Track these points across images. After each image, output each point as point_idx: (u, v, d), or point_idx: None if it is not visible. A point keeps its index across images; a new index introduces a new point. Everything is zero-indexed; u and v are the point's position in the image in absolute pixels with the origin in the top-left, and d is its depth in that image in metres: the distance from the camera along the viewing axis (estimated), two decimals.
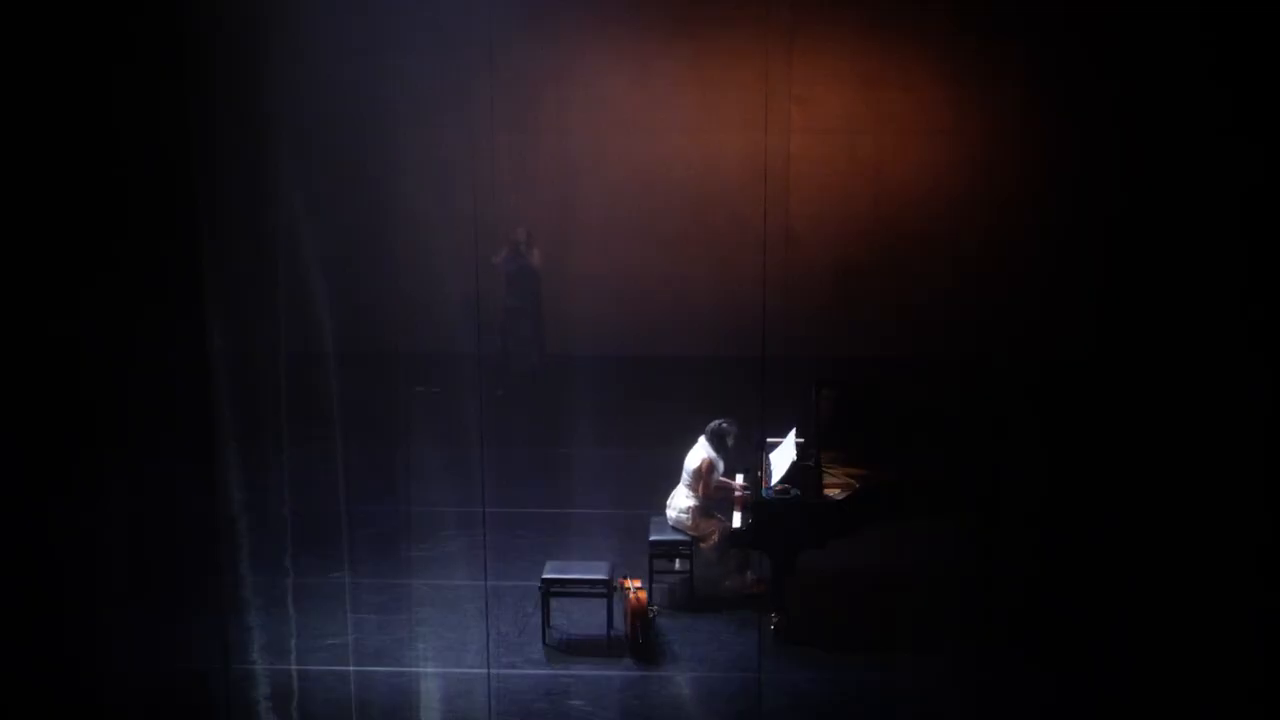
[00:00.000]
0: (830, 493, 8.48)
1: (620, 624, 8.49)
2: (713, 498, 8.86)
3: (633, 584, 8.44)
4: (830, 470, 8.61)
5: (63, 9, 7.19)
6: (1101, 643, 8.26)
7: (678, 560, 9.02)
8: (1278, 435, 9.04)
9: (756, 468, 8.99)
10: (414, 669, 8.22)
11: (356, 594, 8.96)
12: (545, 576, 8.51)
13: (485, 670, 8.03)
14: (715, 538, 8.79)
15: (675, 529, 8.87)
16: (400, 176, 12.25)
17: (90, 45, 7.36)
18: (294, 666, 8.10)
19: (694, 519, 8.78)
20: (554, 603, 8.48)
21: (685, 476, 8.83)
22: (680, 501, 8.82)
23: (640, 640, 8.32)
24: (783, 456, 8.78)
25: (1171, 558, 8.91)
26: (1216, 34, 10.13)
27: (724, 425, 8.83)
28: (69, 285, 7.50)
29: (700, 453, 8.78)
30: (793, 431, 8.92)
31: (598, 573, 8.55)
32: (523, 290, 12.23)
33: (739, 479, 9.06)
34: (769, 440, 9.09)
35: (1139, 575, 8.86)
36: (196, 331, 8.74)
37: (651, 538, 8.92)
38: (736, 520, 8.75)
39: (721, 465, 8.83)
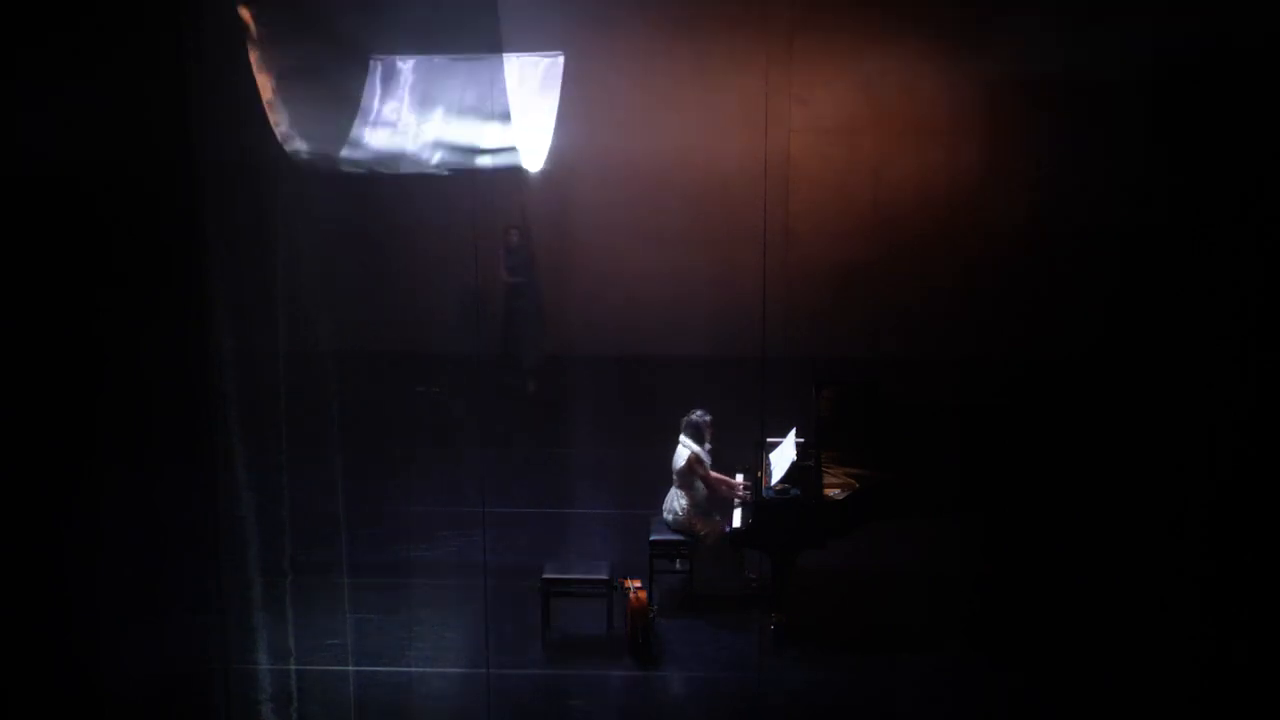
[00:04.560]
0: (830, 493, 8.49)
1: (620, 624, 8.49)
2: (715, 488, 8.85)
3: (633, 584, 8.44)
4: (830, 470, 8.61)
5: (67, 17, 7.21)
6: (1101, 642, 8.26)
7: (678, 560, 9.03)
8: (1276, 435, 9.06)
9: (756, 468, 8.99)
10: (414, 669, 8.23)
11: (356, 594, 8.95)
12: (545, 576, 8.52)
13: (485, 670, 8.03)
14: (712, 538, 8.79)
15: (674, 530, 8.87)
16: (401, 176, 12.24)
17: (91, 48, 7.37)
18: (294, 666, 8.09)
19: (689, 518, 8.78)
20: (554, 603, 8.48)
21: (674, 478, 8.84)
22: (673, 504, 8.83)
23: (640, 640, 8.32)
24: (783, 456, 8.78)
25: (1173, 558, 8.92)
26: (1216, 35, 10.14)
27: (697, 416, 8.79)
28: (72, 289, 7.52)
29: (683, 451, 8.77)
30: (793, 431, 8.92)
31: (598, 573, 8.55)
32: (524, 290, 12.23)
33: (739, 479, 9.06)
34: (769, 440, 9.09)
35: (1140, 575, 8.86)
36: (198, 332, 8.75)
37: (651, 538, 8.92)
38: (736, 520, 8.75)
39: (708, 459, 8.82)
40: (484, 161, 10.73)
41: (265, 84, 10.55)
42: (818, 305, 12.28)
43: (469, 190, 10.98)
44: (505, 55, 11.05)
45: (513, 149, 10.77)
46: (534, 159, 10.94)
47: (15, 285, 7.35)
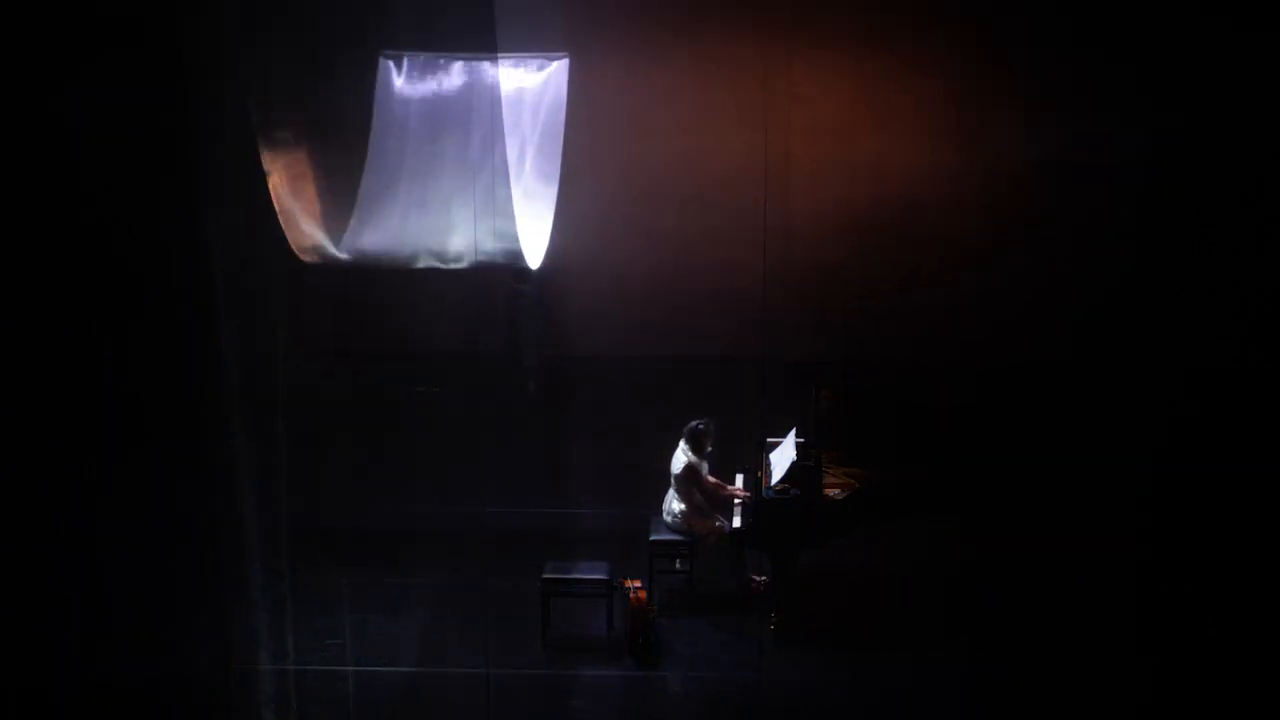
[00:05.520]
0: (830, 493, 8.49)
1: (620, 624, 8.49)
2: (712, 495, 8.86)
3: (633, 584, 8.44)
4: (830, 470, 8.61)
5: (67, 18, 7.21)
6: (1102, 642, 8.27)
7: (678, 560, 9.03)
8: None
9: (756, 468, 8.99)
10: (414, 669, 8.22)
11: (356, 594, 8.96)
12: (545, 576, 8.52)
13: (485, 670, 8.03)
14: (712, 538, 8.79)
15: (673, 531, 8.88)
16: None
17: (91, 44, 7.37)
18: (294, 666, 8.09)
19: (686, 521, 8.79)
20: (554, 603, 8.48)
21: (672, 481, 8.84)
22: (672, 505, 8.85)
23: (640, 640, 8.32)
24: (783, 456, 8.79)
25: (1177, 559, 8.93)
26: (1219, 39, 10.15)
27: (699, 426, 8.81)
28: (72, 287, 7.51)
29: (680, 458, 8.78)
30: (793, 431, 8.92)
31: (598, 573, 8.55)
32: (527, 292, 12.24)
33: (739, 480, 9.06)
34: (769, 440, 9.09)
35: (1139, 575, 8.87)
36: (198, 331, 8.74)
37: (652, 538, 8.93)
38: (736, 520, 8.76)
39: (705, 466, 8.83)
40: (484, 258, 10.85)
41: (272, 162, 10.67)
42: (818, 305, 12.27)
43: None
44: (504, 61, 11.10)
45: (516, 244, 10.89)
46: (534, 255, 11.07)
47: (14, 285, 7.34)
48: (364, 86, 11.09)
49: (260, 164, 10.52)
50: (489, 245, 10.74)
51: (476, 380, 10.83)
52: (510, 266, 11.03)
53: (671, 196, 12.48)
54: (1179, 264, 10.78)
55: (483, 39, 10.75)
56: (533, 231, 11.05)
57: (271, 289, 10.38)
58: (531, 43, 11.53)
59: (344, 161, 11.01)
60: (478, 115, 10.96)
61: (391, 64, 11.28)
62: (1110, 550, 9.18)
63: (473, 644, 8.30)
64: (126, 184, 7.76)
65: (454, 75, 11.16)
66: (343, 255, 10.94)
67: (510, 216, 10.71)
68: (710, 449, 8.82)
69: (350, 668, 8.16)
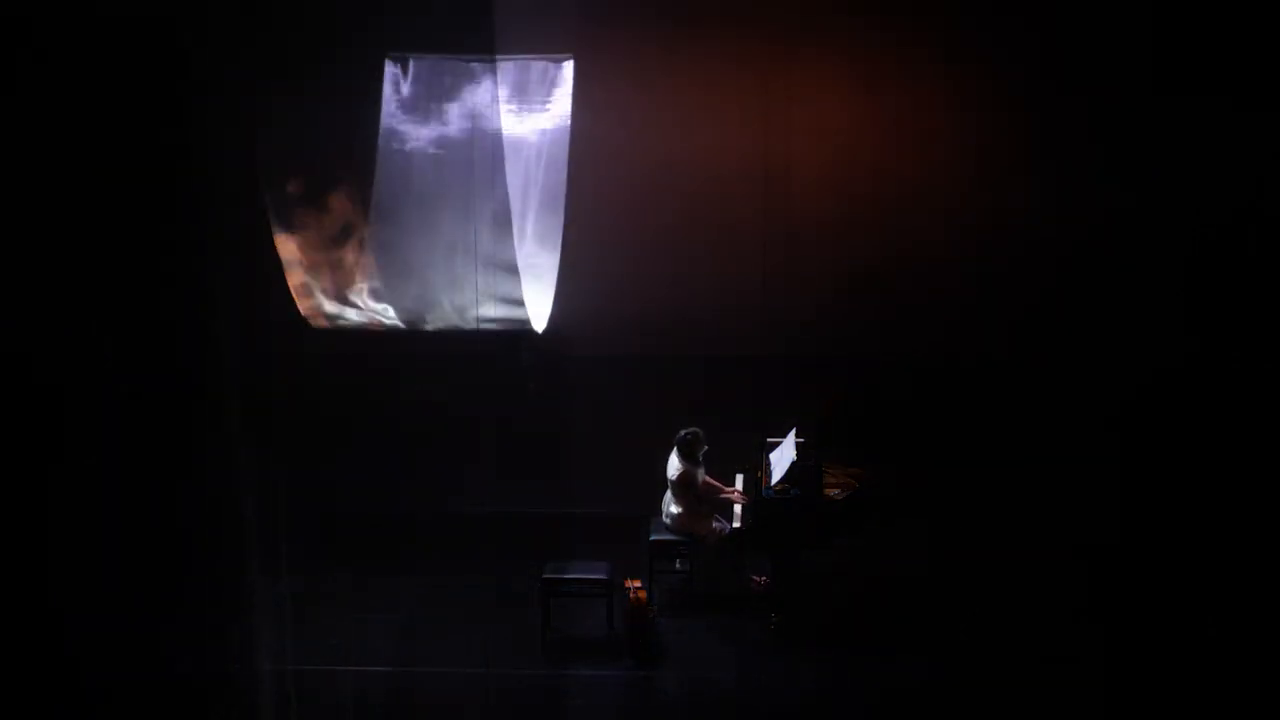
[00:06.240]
0: (830, 493, 8.49)
1: (620, 624, 8.49)
2: (708, 499, 8.86)
3: (633, 584, 8.44)
4: (831, 470, 8.61)
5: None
6: (1102, 642, 8.27)
7: (678, 560, 9.03)
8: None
9: (756, 468, 8.99)
10: (414, 669, 8.22)
11: (356, 594, 8.96)
12: (545, 576, 8.51)
13: (485, 670, 8.03)
14: (711, 539, 8.79)
15: (671, 532, 8.88)
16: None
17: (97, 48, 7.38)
18: (294, 667, 8.09)
19: (684, 523, 8.79)
20: (554, 603, 8.48)
21: (668, 484, 8.85)
22: (669, 508, 8.86)
23: (640, 640, 8.32)
24: (783, 456, 8.79)
25: (1183, 560, 8.93)
26: (1220, 43, 10.16)
27: (688, 435, 8.78)
28: (71, 285, 7.52)
29: (675, 464, 8.78)
30: (793, 431, 8.92)
31: (598, 573, 8.55)
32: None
33: (739, 480, 9.06)
34: (769, 440, 9.09)
35: (1138, 575, 8.87)
36: (198, 330, 8.74)
37: (652, 538, 8.92)
38: (737, 520, 8.76)
39: (700, 471, 8.82)
40: (487, 324, 10.96)
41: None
42: (818, 305, 12.27)
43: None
44: (504, 60, 11.15)
45: (522, 310, 11.02)
46: (539, 319, 11.24)
47: (15, 281, 7.36)
48: (369, 118, 11.13)
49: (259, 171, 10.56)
50: (493, 311, 10.88)
51: (476, 379, 10.84)
52: (514, 332, 11.16)
53: (672, 196, 12.49)
54: (1177, 259, 10.78)
55: (483, 40, 10.76)
56: (537, 290, 11.17)
57: (271, 290, 10.38)
58: (533, 43, 11.54)
59: (349, 220, 11.11)
60: (480, 161, 11.06)
61: (393, 77, 11.31)
62: (1110, 550, 9.18)
63: (473, 644, 8.30)
64: (128, 186, 7.77)
65: (456, 117, 11.27)
66: (355, 319, 11.04)
67: (515, 277, 10.86)
68: (705, 450, 8.82)
69: (350, 668, 8.15)
